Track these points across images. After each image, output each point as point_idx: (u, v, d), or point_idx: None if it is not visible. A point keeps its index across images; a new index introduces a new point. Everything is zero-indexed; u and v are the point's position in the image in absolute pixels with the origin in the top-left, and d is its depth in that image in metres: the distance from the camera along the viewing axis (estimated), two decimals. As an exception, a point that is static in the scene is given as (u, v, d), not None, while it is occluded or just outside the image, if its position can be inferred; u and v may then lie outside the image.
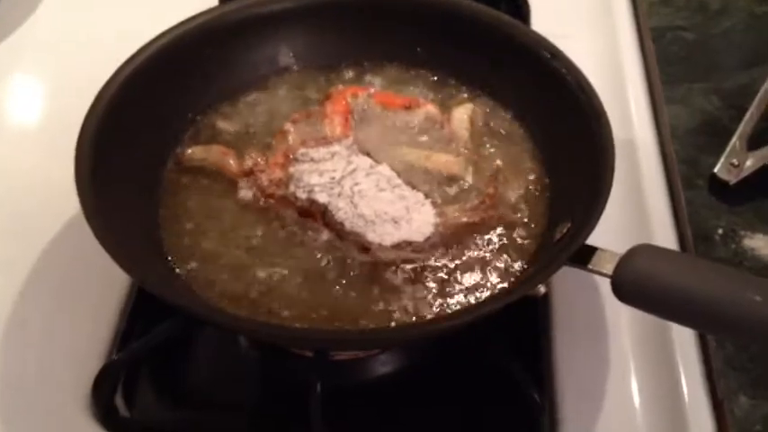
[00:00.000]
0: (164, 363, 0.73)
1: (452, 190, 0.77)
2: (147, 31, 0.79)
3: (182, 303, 0.62)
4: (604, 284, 0.65)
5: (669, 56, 0.97)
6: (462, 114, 0.82)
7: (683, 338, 0.71)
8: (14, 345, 0.70)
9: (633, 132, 0.90)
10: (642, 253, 0.63)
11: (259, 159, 0.78)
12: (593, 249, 0.65)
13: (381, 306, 0.68)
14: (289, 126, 0.81)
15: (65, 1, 1.09)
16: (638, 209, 0.82)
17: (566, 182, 0.75)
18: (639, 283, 0.62)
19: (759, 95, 0.89)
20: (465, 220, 0.74)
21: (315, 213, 0.73)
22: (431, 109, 0.83)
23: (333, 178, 0.74)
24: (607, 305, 0.74)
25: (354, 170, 0.75)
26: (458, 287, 0.70)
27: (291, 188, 0.75)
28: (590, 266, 0.64)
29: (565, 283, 0.73)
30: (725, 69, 0.96)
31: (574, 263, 0.64)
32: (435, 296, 0.69)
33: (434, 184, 0.77)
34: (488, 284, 0.70)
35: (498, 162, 0.79)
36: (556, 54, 0.79)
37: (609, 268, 0.63)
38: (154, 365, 0.73)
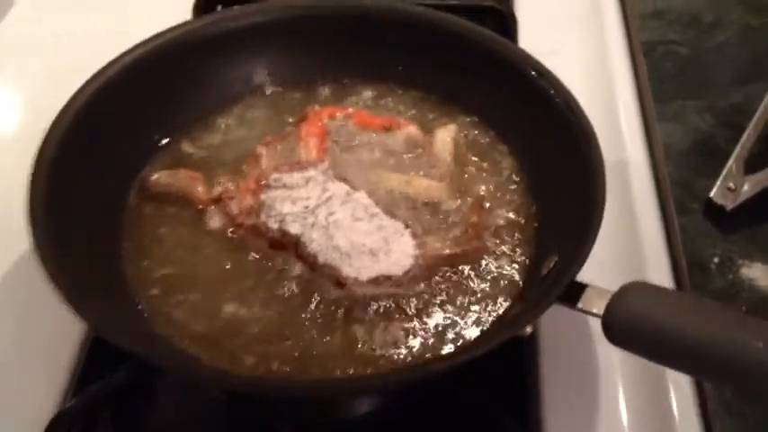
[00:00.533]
0: (124, 408, 0.68)
1: (434, 218, 0.72)
2: (121, 36, 0.76)
3: (136, 350, 0.57)
4: (595, 320, 0.61)
5: (661, 72, 0.93)
6: (445, 136, 0.78)
7: (679, 380, 0.67)
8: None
9: (624, 153, 0.86)
10: (635, 292, 0.59)
11: (229, 185, 0.74)
12: (582, 287, 0.60)
13: (358, 347, 0.64)
14: (261, 149, 0.77)
15: (36, 4, 1.04)
16: (629, 235, 0.78)
17: (554, 209, 0.71)
18: (632, 326, 0.58)
19: (756, 116, 0.86)
20: (447, 251, 0.69)
21: (287, 245, 0.69)
22: (412, 130, 0.79)
23: (306, 207, 0.70)
24: (598, 343, 0.70)
25: (330, 198, 0.71)
26: (439, 325, 0.65)
27: (262, 217, 0.70)
28: (579, 306, 0.60)
29: (552, 320, 0.69)
30: (719, 85, 0.93)
31: (562, 301, 0.60)
32: (415, 335, 0.65)
33: (415, 212, 0.72)
34: (471, 322, 0.65)
35: (482, 188, 0.75)
36: (542, 72, 0.75)
37: (599, 307, 0.59)
38: (113, 411, 0.68)
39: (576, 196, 0.67)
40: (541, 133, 0.74)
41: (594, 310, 0.59)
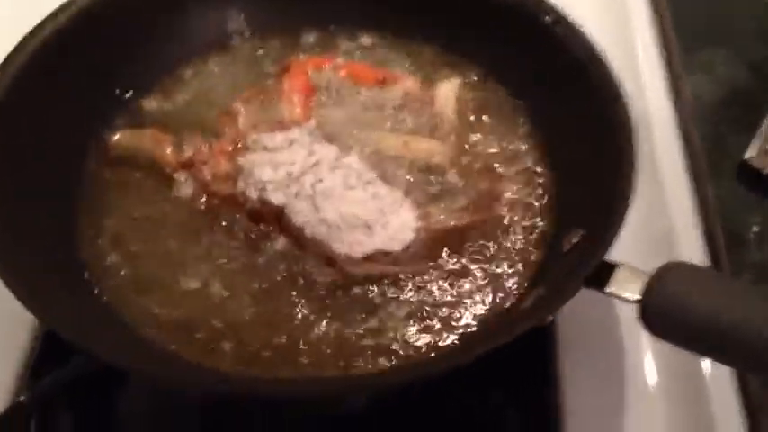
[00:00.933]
0: (84, 401, 0.59)
1: (437, 185, 0.63)
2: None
3: (91, 348, 0.48)
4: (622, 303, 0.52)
5: (686, 17, 0.83)
6: (448, 91, 0.69)
7: (718, 372, 0.59)
8: None
9: (648, 109, 0.76)
10: (675, 274, 0.51)
11: (202, 147, 0.64)
12: (611, 267, 0.52)
13: (350, 335, 0.55)
14: (238, 106, 0.67)
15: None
16: (656, 204, 0.69)
17: (576, 175, 0.62)
18: (673, 314, 0.49)
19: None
20: (453, 223, 0.60)
21: (268, 217, 0.60)
22: (410, 84, 0.69)
23: (290, 173, 0.61)
24: (625, 328, 0.61)
25: (317, 163, 0.61)
26: (445, 311, 0.57)
27: (240, 185, 0.61)
28: (610, 290, 0.52)
29: (574, 302, 0.60)
30: (753, 32, 0.83)
31: (590, 285, 0.51)
32: (417, 322, 0.56)
33: (415, 178, 0.63)
34: (482, 308, 0.57)
35: (492, 150, 0.65)
36: (559, 19, 0.65)
37: (634, 291, 0.51)
38: (73, 404, 0.59)
39: (601, 161, 0.58)
40: (559, 89, 0.65)
41: (628, 296, 0.51)
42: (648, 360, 0.61)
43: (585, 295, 0.51)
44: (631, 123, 0.57)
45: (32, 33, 0.63)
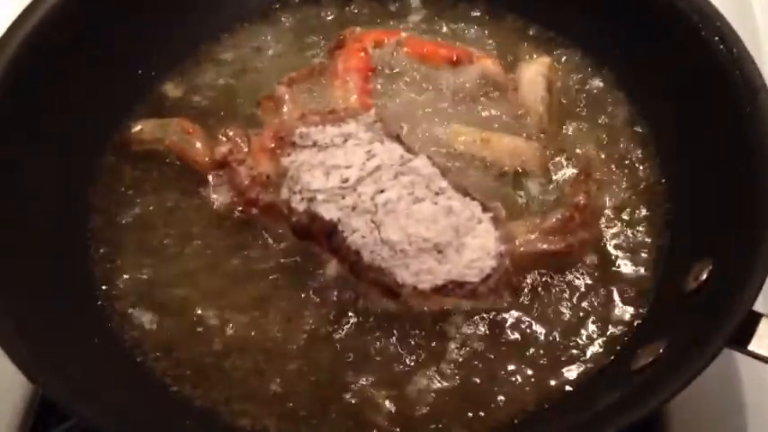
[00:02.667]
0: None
1: (522, 196, 0.51)
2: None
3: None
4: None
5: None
6: (536, 74, 0.57)
7: None
8: None
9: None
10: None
11: (238, 141, 0.53)
12: (757, 317, 0.41)
13: (411, 386, 0.45)
14: (282, 90, 0.56)
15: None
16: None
17: (699, 190, 0.50)
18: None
19: None
20: (544, 247, 0.49)
21: (317, 234, 0.49)
22: (489, 65, 0.58)
23: (345, 180, 0.50)
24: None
25: (378, 167, 0.50)
26: (535, 361, 0.46)
27: (284, 192, 0.50)
28: (752, 349, 0.41)
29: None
30: None
31: (731, 344, 0.40)
32: (499, 375, 0.46)
33: (496, 185, 0.52)
34: (582, 358, 0.46)
35: (592, 151, 0.53)
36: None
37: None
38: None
39: (733, 176, 0.47)
40: (677, 77, 0.53)
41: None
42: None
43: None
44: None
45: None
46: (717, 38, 0.51)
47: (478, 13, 0.61)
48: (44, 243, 0.48)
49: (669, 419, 0.50)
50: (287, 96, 0.57)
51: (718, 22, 0.51)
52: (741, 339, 0.41)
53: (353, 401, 0.45)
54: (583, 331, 0.47)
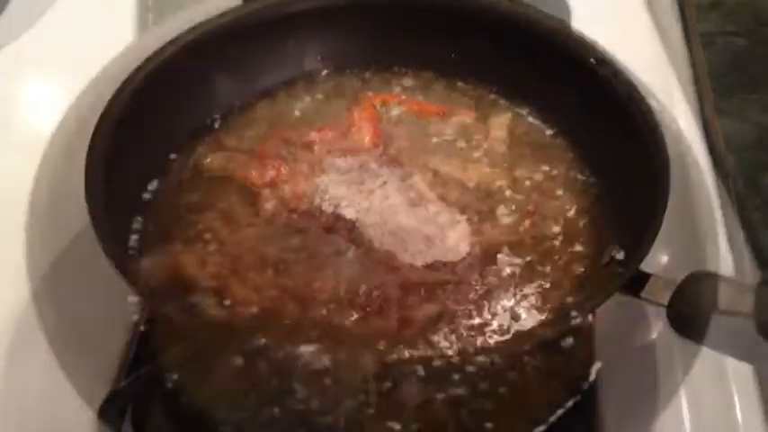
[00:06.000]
0: (177, 387, 0.67)
1: (489, 206, 0.71)
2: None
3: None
4: (654, 312, 0.59)
5: (719, 65, 0.91)
6: (500, 125, 0.77)
7: (741, 372, 0.65)
8: (19, 367, 0.65)
9: (682, 146, 0.83)
10: (701, 281, 0.57)
11: (282, 169, 0.73)
12: (645, 276, 0.59)
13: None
14: (314, 135, 0.76)
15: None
16: (689, 229, 0.76)
17: (613, 198, 0.70)
18: (698, 315, 0.56)
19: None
20: (503, 239, 0.68)
21: (341, 230, 0.68)
22: (466, 118, 0.78)
23: (361, 192, 0.69)
24: (658, 335, 0.68)
25: (385, 183, 0.70)
26: (495, 314, 0.64)
27: (317, 201, 0.69)
28: (643, 295, 0.59)
29: (610, 310, 0.67)
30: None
31: (626, 291, 0.59)
32: (469, 327, 0.63)
33: (471, 199, 0.71)
34: (529, 312, 0.64)
35: (539, 177, 0.73)
36: (603, 60, 0.74)
37: (664, 297, 0.58)
38: (167, 390, 0.67)
39: (638, 187, 0.65)
40: (601, 124, 0.72)
41: (659, 300, 0.58)
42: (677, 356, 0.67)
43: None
44: (666, 150, 0.65)
45: (144, 63, 0.72)
46: (631, 99, 0.69)
47: (455, 84, 0.82)
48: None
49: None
50: (317, 139, 0.75)
51: (632, 89, 0.70)
52: (635, 290, 0.58)
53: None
54: (530, 298, 0.65)
